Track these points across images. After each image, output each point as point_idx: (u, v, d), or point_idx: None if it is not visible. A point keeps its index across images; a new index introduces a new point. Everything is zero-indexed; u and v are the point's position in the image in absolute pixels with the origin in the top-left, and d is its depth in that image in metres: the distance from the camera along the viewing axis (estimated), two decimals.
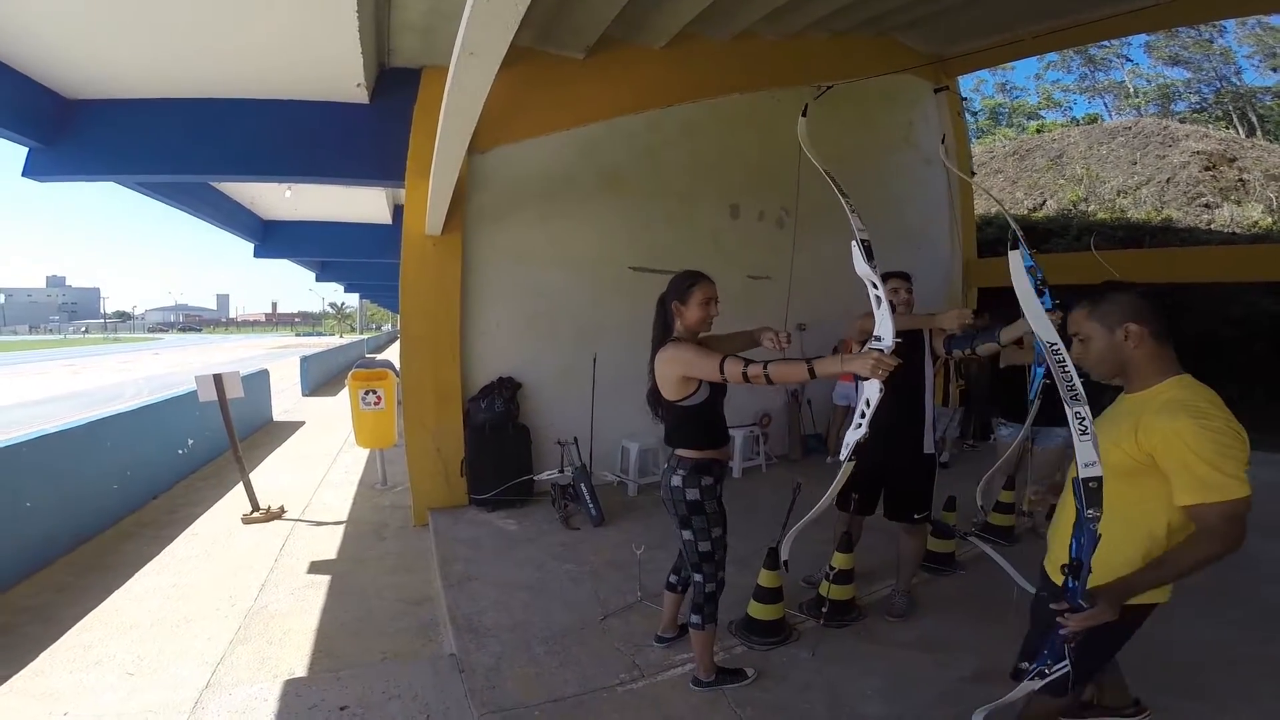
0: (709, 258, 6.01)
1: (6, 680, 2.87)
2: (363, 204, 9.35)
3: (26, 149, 4.84)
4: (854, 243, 2.13)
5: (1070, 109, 29.32)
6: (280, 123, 5.19)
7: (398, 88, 5.12)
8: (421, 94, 4.96)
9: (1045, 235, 10.67)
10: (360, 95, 5.08)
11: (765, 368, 2.12)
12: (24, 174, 4.89)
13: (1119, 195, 12.02)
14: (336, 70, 4.61)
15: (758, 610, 2.99)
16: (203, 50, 4.42)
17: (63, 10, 3.88)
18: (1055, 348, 1.51)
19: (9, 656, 3.05)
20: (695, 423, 2.44)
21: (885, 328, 2.03)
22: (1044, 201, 12.72)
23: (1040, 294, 2.77)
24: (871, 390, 2.06)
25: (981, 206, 13.47)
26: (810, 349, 6.94)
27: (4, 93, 4.42)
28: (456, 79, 2.39)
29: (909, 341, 3.08)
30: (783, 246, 6.37)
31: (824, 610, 3.07)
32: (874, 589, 3.49)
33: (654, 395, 2.53)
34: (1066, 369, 1.50)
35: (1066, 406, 1.49)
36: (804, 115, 2.47)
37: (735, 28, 5.81)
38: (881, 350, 1.98)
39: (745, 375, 2.15)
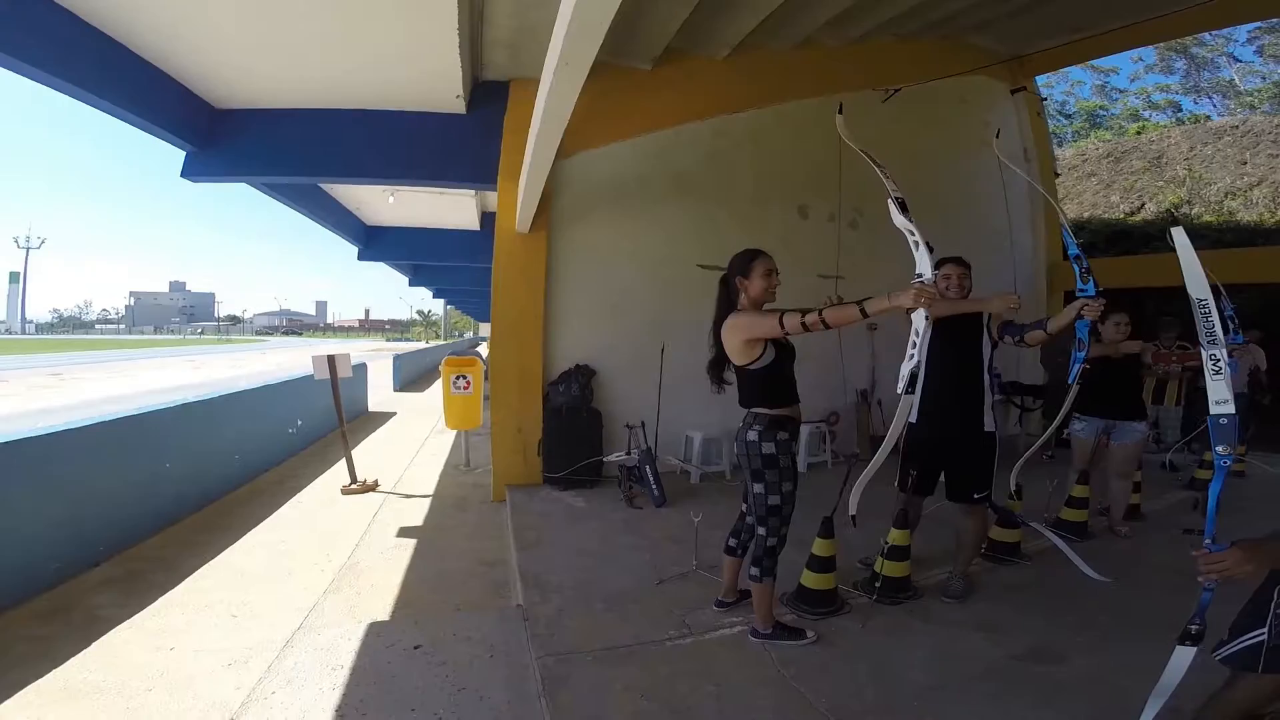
0: (777, 257, 6.00)
1: (129, 619, 3.28)
2: (454, 211, 10.02)
3: (184, 153, 5.59)
4: (889, 200, 2.35)
5: (1176, 111, 27.23)
6: (388, 130, 5.79)
7: (489, 99, 5.60)
8: (511, 104, 5.39)
9: (1144, 239, 9.94)
10: (458, 106, 5.57)
11: (820, 313, 2.31)
12: (182, 175, 5.69)
13: (1227, 197, 11.06)
14: (438, 83, 5.11)
15: (810, 579, 3.07)
16: (325, 65, 5.04)
17: (216, 28, 4.52)
18: (1204, 303, 1.73)
19: (134, 599, 3.50)
20: (766, 384, 2.64)
21: (924, 265, 2.25)
22: (1142, 205, 11.86)
23: (1085, 282, 2.79)
24: (918, 320, 2.22)
25: (1075, 210, 12.75)
26: (881, 345, 6.90)
27: (170, 102, 5.19)
28: (553, 87, 2.66)
29: (967, 323, 3.13)
30: (855, 247, 6.40)
31: (877, 585, 3.12)
32: (931, 573, 3.49)
33: (715, 365, 2.76)
34: (1210, 319, 1.73)
35: (1203, 349, 1.73)
36: (840, 113, 2.76)
37: (796, 36, 5.93)
38: (923, 282, 2.18)
39: (804, 324, 2.35)
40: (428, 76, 4.99)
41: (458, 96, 5.28)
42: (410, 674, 2.67)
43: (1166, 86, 28.71)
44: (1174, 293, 7.11)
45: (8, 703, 2.54)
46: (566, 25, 2.09)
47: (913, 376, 2.26)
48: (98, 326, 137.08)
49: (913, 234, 2.28)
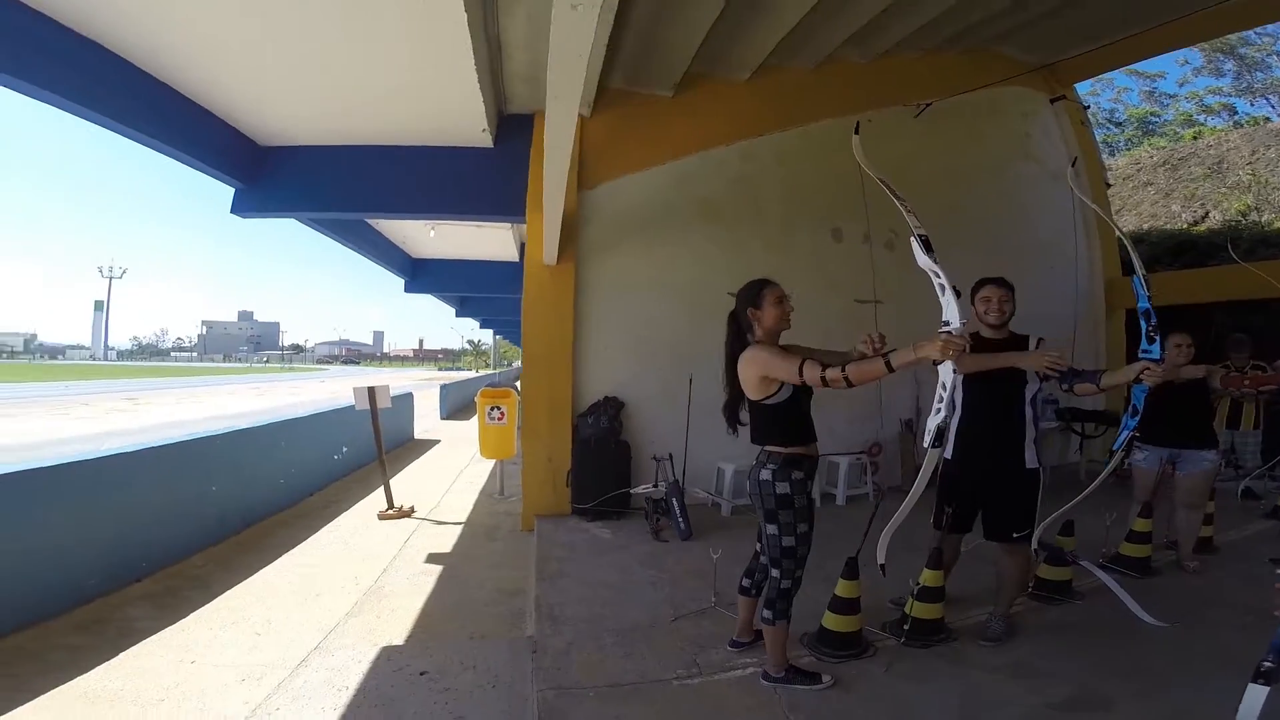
0: (810, 282, 5.94)
1: (156, 633, 3.42)
2: (493, 243, 10.28)
3: (233, 190, 5.91)
4: (912, 238, 2.25)
5: (1232, 114, 25.58)
6: (422, 166, 5.99)
7: (515, 131, 5.75)
8: (535, 136, 5.48)
9: (1210, 250, 9.25)
10: (485, 140, 5.72)
11: (844, 370, 2.17)
12: (231, 211, 5.99)
13: None
14: (464, 118, 5.27)
15: (832, 621, 2.91)
16: (356, 101, 5.26)
17: (258, 69, 4.80)
18: None
19: (168, 614, 3.65)
20: (781, 420, 2.52)
21: (951, 312, 2.13)
22: (1206, 214, 11.04)
23: (1150, 342, 2.58)
24: (945, 373, 2.11)
25: (1133, 222, 12.05)
26: (924, 372, 6.63)
27: (218, 140, 5.50)
28: (549, 121, 2.77)
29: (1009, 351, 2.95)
30: (892, 269, 6.21)
31: (905, 628, 2.95)
32: (971, 614, 3.26)
33: (730, 407, 2.66)
34: None
35: None
36: (856, 133, 2.61)
37: (818, 55, 5.85)
38: (950, 333, 2.06)
39: (824, 379, 2.22)
40: (453, 111, 5.16)
41: (484, 130, 5.43)
42: (411, 699, 2.69)
43: (1218, 89, 27.11)
44: (1245, 307, 6.61)
45: (27, 705, 2.66)
46: (549, 64, 2.13)
47: (940, 431, 2.16)
48: (173, 354, 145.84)
49: (938, 276, 2.18)
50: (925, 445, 2.22)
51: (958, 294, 2.19)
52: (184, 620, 3.58)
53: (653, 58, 5.18)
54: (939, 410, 2.14)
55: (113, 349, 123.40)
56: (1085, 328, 7.43)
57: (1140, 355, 2.55)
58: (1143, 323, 2.62)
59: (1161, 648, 2.90)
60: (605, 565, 4.17)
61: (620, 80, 5.46)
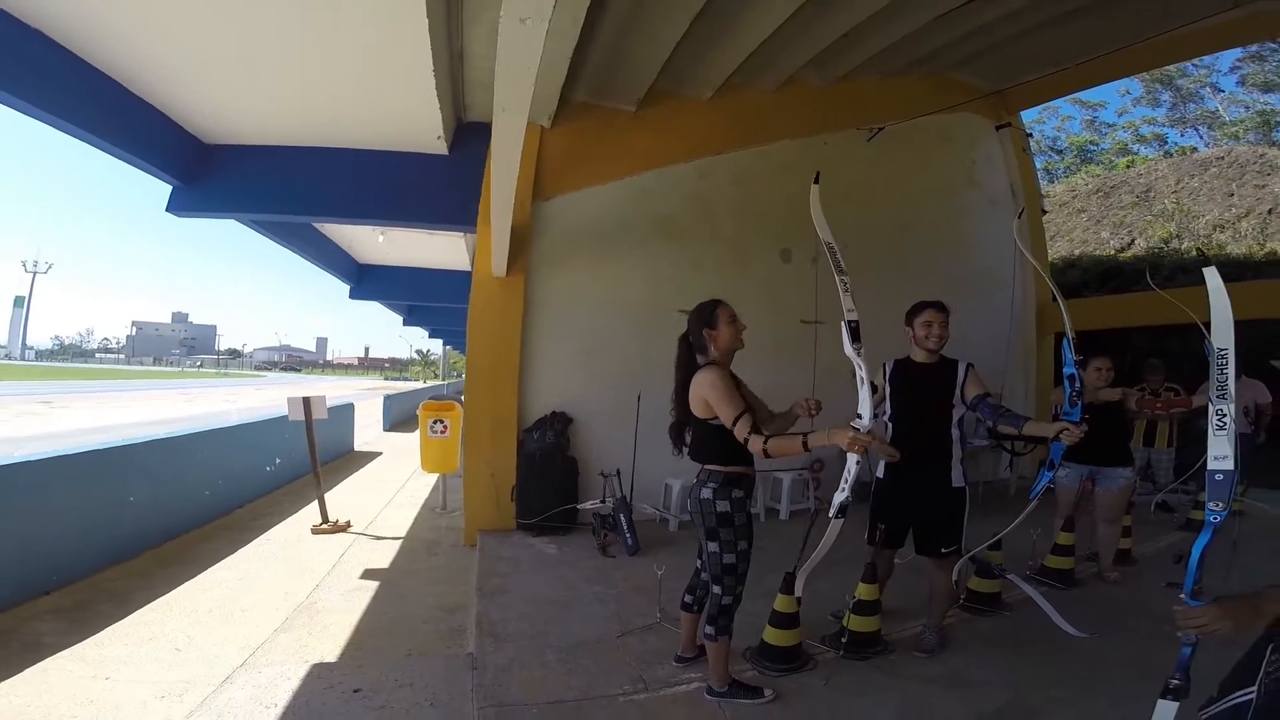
0: (759, 302, 6.03)
1: (69, 648, 3.21)
2: (445, 251, 10.10)
3: (170, 187, 5.61)
4: (842, 323, 2.33)
5: (1163, 143, 27.51)
6: (372, 170, 5.84)
7: (473, 140, 5.66)
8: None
9: (1135, 276, 9.86)
10: (440, 147, 5.63)
11: (766, 442, 2.26)
12: (167, 209, 5.68)
13: (1215, 230, 10.98)
14: (419, 124, 5.18)
15: (773, 635, 2.95)
16: (307, 101, 5.10)
17: (205, 62, 4.59)
18: (1224, 352, 1.78)
19: (79, 629, 3.42)
20: (723, 440, 2.52)
21: (864, 407, 2.25)
22: (1132, 241, 11.76)
23: (1073, 405, 2.73)
24: (851, 459, 2.24)
25: (1065, 248, 12.75)
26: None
27: (156, 134, 5.22)
28: (496, 132, 2.81)
29: (937, 382, 3.05)
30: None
31: (844, 640, 3.01)
32: (906, 626, 3.36)
33: (677, 428, 2.71)
34: (1225, 371, 1.76)
35: (1211, 404, 1.75)
36: (816, 183, 2.63)
37: (781, 75, 6.00)
38: (858, 429, 2.16)
39: (746, 441, 2.30)
40: (408, 116, 5.07)
41: (439, 137, 5.36)
42: (343, 717, 2.59)
43: (1153, 119, 29.06)
44: (1163, 332, 7.02)
45: None
46: (497, 76, 2.14)
47: (843, 506, 2.31)
48: (98, 355, 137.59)
49: (860, 369, 2.28)
50: (830, 515, 2.36)
51: (874, 389, 2.28)
52: (97, 635, 3.37)
53: (618, 72, 5.21)
54: (843, 490, 2.30)
55: (31, 348, 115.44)
56: (1018, 352, 7.78)
57: (1062, 416, 2.69)
58: (1067, 386, 2.75)
59: (1085, 657, 3.04)
60: (550, 581, 4.11)
61: (584, 93, 5.48)
